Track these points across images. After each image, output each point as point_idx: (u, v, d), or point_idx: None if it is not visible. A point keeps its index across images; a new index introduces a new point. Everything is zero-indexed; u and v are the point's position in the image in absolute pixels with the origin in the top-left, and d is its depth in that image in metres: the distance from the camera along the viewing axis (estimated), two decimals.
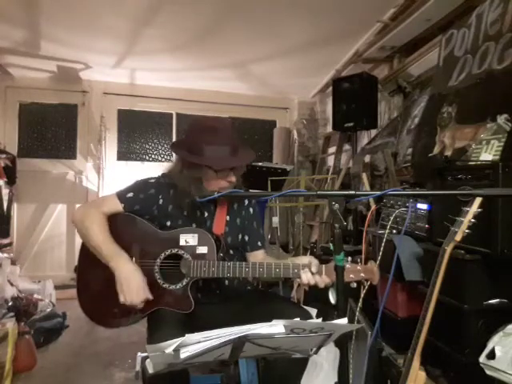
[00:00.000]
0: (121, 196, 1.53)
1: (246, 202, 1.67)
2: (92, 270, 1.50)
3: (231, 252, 1.60)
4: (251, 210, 1.68)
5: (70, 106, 4.45)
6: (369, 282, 1.34)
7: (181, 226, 1.53)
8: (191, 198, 1.51)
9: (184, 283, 1.42)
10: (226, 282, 1.56)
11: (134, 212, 1.53)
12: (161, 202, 1.56)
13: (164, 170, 1.63)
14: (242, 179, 1.61)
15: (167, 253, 1.46)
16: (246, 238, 1.65)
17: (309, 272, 1.33)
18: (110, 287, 1.42)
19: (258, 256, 1.65)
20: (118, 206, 1.52)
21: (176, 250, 1.45)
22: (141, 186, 1.57)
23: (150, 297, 1.39)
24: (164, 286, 1.43)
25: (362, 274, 1.29)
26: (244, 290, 1.65)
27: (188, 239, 1.45)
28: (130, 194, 1.54)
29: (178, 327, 1.29)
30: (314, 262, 1.34)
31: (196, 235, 1.45)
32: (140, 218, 1.53)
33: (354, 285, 1.29)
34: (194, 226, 1.55)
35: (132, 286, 1.36)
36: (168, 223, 1.54)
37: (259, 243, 1.67)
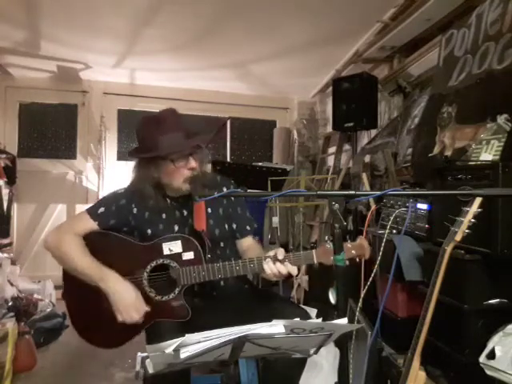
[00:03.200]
0: (92, 213, 1.49)
1: (225, 189, 1.57)
2: (80, 294, 1.46)
3: (222, 244, 1.57)
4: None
5: (70, 106, 4.45)
6: (360, 258, 1.32)
7: (163, 231, 1.49)
8: (166, 199, 1.50)
9: (176, 292, 1.39)
10: (222, 282, 1.54)
11: (111, 227, 1.49)
12: (135, 210, 1.52)
13: (130, 180, 1.55)
14: (211, 167, 1.56)
15: (153, 265, 1.41)
16: (234, 225, 1.61)
17: (270, 262, 1.29)
18: (103, 308, 1.39)
19: (245, 243, 1.62)
20: (91, 224, 1.47)
21: (161, 260, 1.41)
22: (111, 199, 1.53)
23: (147, 309, 1.36)
24: (157, 298, 1.40)
25: (353, 252, 1.27)
26: (242, 288, 1.63)
27: (171, 247, 1.41)
28: (102, 209, 1.49)
29: (178, 336, 1.28)
30: (280, 250, 1.32)
31: (179, 242, 1.41)
32: (116, 234, 1.48)
33: (347, 262, 1.26)
34: (176, 227, 1.51)
35: (127, 303, 1.33)
36: (149, 231, 1.50)
37: (248, 227, 1.62)
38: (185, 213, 1.54)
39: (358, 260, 1.30)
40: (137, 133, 1.52)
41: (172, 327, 1.34)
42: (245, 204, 1.66)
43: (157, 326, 1.37)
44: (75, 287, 1.45)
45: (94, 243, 1.45)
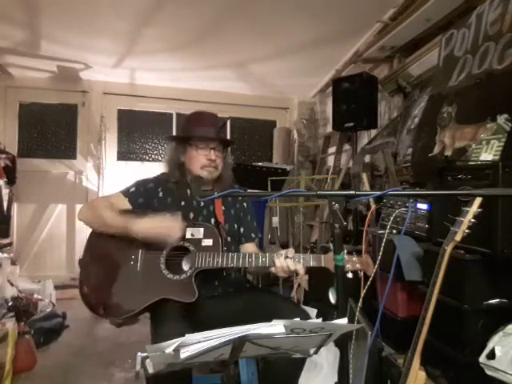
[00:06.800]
0: (124, 192, 1.64)
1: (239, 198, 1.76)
2: (99, 261, 1.55)
3: (229, 239, 1.65)
4: (245, 204, 1.76)
5: (70, 105, 4.45)
6: (363, 272, 1.39)
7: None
8: (187, 189, 1.65)
9: (189, 273, 1.46)
10: (224, 273, 1.60)
11: (139, 205, 1.61)
12: (161, 194, 1.65)
13: (161, 170, 1.74)
14: (233, 174, 1.73)
15: (173, 245, 1.50)
16: (241, 229, 1.73)
17: (282, 257, 1.39)
18: (117, 277, 1.48)
19: (248, 248, 1.72)
20: (123, 200, 1.61)
21: (181, 242, 1.50)
22: (141, 182, 1.68)
23: (183, 222, 1.46)
24: (169, 276, 1.47)
25: (358, 265, 1.35)
26: (243, 285, 1.69)
27: (194, 232, 1.51)
28: (133, 189, 1.65)
29: (181, 321, 1.33)
30: (291, 249, 1.43)
31: (202, 229, 1.52)
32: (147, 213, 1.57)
33: (350, 275, 1.33)
34: (191, 215, 1.63)
35: (164, 227, 1.44)
36: (168, 215, 1.57)
37: (253, 235, 1.75)
38: (201, 203, 1.66)
39: (360, 273, 1.37)
40: (182, 122, 1.80)
41: (176, 313, 1.37)
42: (254, 214, 1.80)
43: (161, 311, 1.41)
44: (94, 255, 1.57)
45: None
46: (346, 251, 1.31)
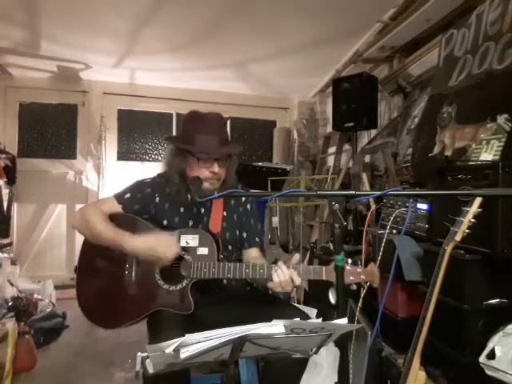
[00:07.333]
0: (119, 197, 1.55)
1: (243, 198, 1.68)
2: (93, 270, 1.50)
3: (230, 248, 1.60)
4: (248, 206, 1.68)
5: (70, 105, 4.45)
6: (368, 284, 1.33)
7: (177, 224, 1.54)
8: (188, 194, 1.55)
9: (184, 284, 1.41)
10: (225, 281, 1.56)
11: (134, 212, 1.54)
12: (157, 200, 1.57)
13: (159, 170, 1.65)
14: (237, 176, 1.63)
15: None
16: (244, 234, 1.65)
17: (279, 269, 1.31)
18: (112, 287, 1.43)
19: (251, 253, 1.65)
20: (117, 207, 1.53)
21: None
22: (137, 187, 1.59)
23: (179, 244, 1.40)
24: (164, 286, 1.42)
25: (363, 277, 1.28)
26: (243, 290, 1.65)
27: (188, 240, 1.44)
28: (128, 195, 1.56)
29: (179, 330, 1.28)
30: (295, 256, 1.37)
31: (197, 236, 1.45)
32: (140, 219, 1.53)
33: (354, 287, 1.28)
34: (190, 222, 1.56)
35: (160, 247, 1.36)
36: (165, 222, 1.55)
37: (257, 239, 1.67)
38: (202, 210, 1.59)
39: (365, 286, 1.31)
40: (182, 123, 1.63)
41: (173, 320, 1.35)
42: (258, 217, 1.72)
43: (159, 318, 1.39)
44: (90, 263, 1.51)
45: (118, 222, 1.49)
46: (350, 261, 1.29)
